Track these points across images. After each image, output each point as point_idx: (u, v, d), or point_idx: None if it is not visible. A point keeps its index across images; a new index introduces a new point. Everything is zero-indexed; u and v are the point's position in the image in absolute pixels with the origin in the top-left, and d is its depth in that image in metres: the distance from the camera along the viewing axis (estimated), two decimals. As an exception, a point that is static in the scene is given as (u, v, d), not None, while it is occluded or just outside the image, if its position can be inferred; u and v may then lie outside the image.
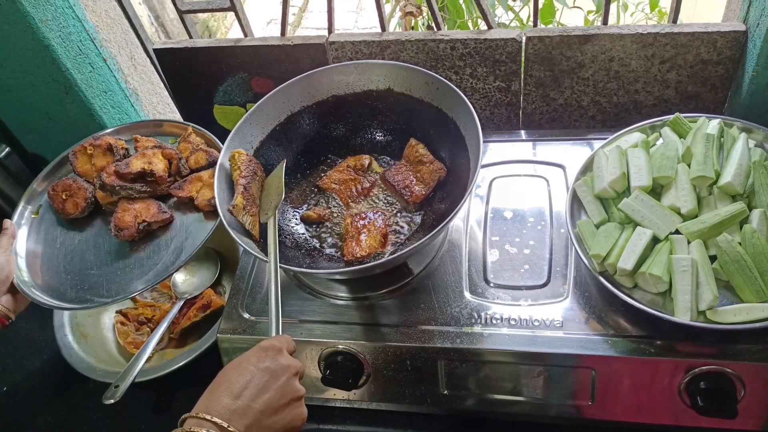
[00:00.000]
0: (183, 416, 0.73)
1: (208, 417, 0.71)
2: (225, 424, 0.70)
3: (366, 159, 1.19)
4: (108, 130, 1.36)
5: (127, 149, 1.29)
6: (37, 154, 1.58)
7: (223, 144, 1.12)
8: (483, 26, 1.26)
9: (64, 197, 1.24)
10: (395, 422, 1.07)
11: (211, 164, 1.23)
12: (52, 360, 1.27)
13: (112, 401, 1.03)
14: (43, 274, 1.18)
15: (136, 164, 1.20)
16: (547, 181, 1.16)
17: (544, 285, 1.01)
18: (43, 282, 1.16)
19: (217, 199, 1.04)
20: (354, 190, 1.16)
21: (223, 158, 1.09)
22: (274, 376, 0.76)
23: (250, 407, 0.73)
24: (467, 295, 1.02)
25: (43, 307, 1.11)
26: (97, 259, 1.19)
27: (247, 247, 0.97)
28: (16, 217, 1.24)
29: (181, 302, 1.21)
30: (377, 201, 1.16)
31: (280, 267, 0.95)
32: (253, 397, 0.74)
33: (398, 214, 1.13)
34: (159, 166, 1.21)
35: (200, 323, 1.23)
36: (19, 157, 1.54)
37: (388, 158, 1.21)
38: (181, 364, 1.13)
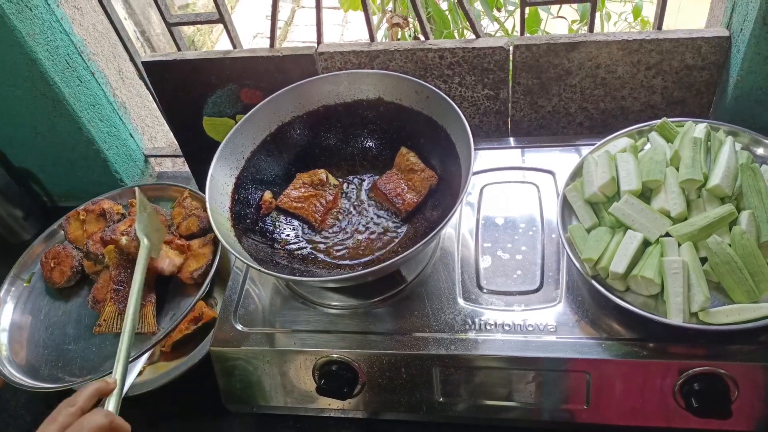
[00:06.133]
0: None
1: None
2: None
3: (322, 173, 1.18)
4: (110, 193, 1.33)
5: (123, 214, 1.25)
6: (24, 168, 1.57)
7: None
8: (469, 36, 1.27)
9: (52, 265, 1.20)
10: (390, 431, 1.07)
11: (204, 231, 1.21)
12: (42, 376, 1.25)
13: (104, 416, 1.02)
14: (25, 347, 1.14)
15: (122, 228, 1.17)
16: (537, 187, 1.17)
17: (537, 290, 1.02)
18: (23, 357, 1.12)
19: (209, 209, 1.03)
20: (318, 205, 1.15)
21: (213, 170, 1.08)
22: None
23: None
24: (461, 301, 1.02)
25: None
26: (76, 333, 1.14)
27: (240, 257, 0.97)
28: (3, 290, 1.22)
29: (173, 315, 1.20)
30: (364, 212, 1.16)
31: (272, 275, 0.95)
32: None
33: (389, 222, 1.13)
34: None
35: (192, 336, 1.21)
36: (5, 171, 1.53)
37: (380, 166, 1.22)
38: (173, 377, 1.12)
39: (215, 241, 1.17)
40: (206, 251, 1.15)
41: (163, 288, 1.17)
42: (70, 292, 1.22)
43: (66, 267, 1.19)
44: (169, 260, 1.13)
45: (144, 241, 1.07)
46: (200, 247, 1.17)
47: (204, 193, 1.04)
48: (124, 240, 1.11)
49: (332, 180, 1.19)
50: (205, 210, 1.24)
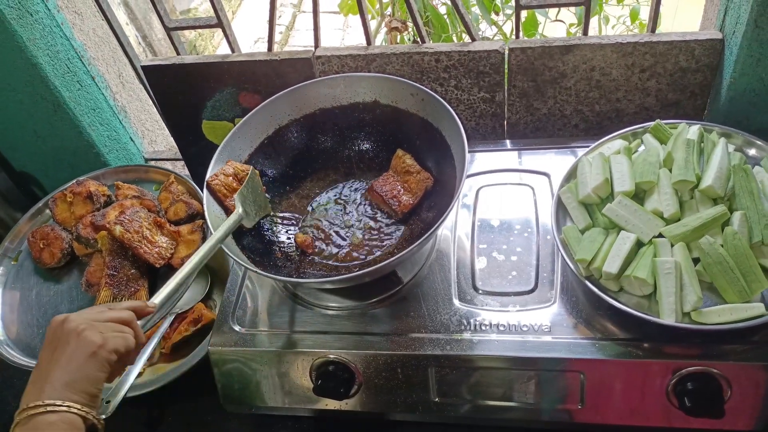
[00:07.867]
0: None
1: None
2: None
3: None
4: (93, 173, 1.34)
5: (109, 196, 1.26)
6: (25, 173, 1.58)
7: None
8: (467, 39, 1.28)
9: (41, 246, 1.21)
10: (387, 431, 1.07)
11: (191, 216, 1.21)
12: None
13: (103, 417, 1.03)
14: (17, 326, 1.14)
15: (113, 216, 1.18)
16: (532, 189, 1.18)
17: (532, 291, 1.02)
18: (16, 336, 1.13)
19: (207, 215, 1.04)
20: None
21: (210, 175, 1.09)
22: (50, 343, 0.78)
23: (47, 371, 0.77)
24: (456, 302, 1.03)
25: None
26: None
27: (238, 260, 0.98)
28: None
29: (172, 317, 1.21)
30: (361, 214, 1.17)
31: (270, 277, 0.96)
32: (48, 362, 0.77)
33: (385, 224, 1.14)
34: None
35: (191, 337, 1.22)
36: (7, 175, 1.54)
37: (377, 168, 1.23)
38: (172, 378, 1.13)
39: (203, 228, 1.18)
40: (195, 238, 1.16)
41: (154, 273, 1.18)
42: (60, 272, 1.22)
43: (56, 249, 1.20)
44: (158, 249, 1.14)
45: (239, 209, 1.06)
46: (189, 233, 1.17)
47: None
48: (118, 230, 1.11)
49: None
50: (191, 195, 1.26)
